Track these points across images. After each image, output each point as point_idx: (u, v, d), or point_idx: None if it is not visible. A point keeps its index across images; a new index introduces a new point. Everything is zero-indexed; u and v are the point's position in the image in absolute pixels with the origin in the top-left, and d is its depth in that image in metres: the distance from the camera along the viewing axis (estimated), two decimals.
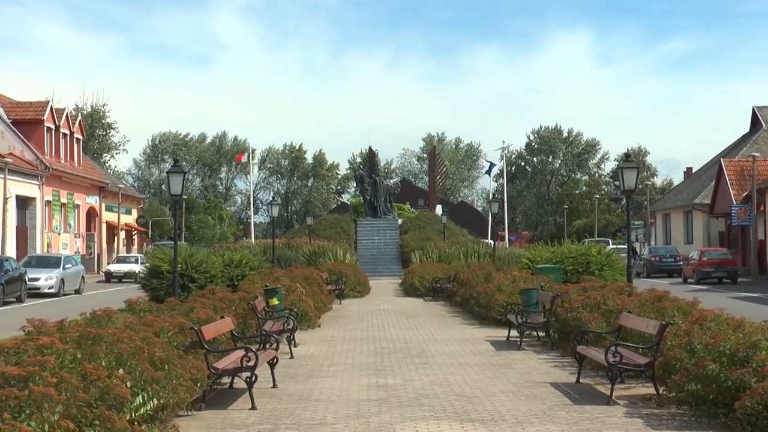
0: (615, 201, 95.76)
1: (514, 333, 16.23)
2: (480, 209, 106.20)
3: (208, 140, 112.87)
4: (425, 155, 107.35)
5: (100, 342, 8.06)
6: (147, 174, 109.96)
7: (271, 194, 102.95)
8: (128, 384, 7.13)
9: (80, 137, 52.59)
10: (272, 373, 11.32)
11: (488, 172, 67.63)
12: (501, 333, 17.20)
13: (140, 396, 7.41)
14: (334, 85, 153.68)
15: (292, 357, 14.19)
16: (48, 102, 48.96)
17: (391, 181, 68.63)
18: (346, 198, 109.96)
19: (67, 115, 50.27)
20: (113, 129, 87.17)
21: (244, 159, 60.02)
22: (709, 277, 38.40)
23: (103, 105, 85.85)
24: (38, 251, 42.44)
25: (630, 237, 19.20)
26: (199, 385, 8.81)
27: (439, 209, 61.89)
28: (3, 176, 39.37)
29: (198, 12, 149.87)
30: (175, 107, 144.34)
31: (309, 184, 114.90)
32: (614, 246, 46.79)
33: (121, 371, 7.42)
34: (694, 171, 68.84)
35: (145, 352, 8.02)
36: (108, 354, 7.80)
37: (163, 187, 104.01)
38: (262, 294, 17.23)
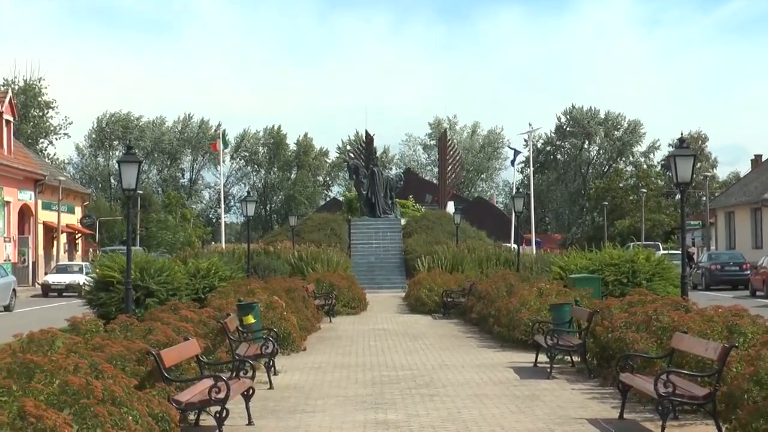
0: (666, 197, 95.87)
1: (542, 358, 16.23)
2: (501, 206, 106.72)
3: (169, 123, 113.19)
4: (433, 142, 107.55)
5: (40, 372, 8.03)
6: (93, 164, 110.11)
7: (246, 188, 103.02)
8: (75, 428, 7.12)
9: (10, 118, 52.59)
10: (247, 408, 11.30)
11: (512, 161, 67.67)
12: (527, 358, 17.21)
13: None
14: (322, 57, 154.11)
15: (271, 387, 14.20)
16: None
17: (393, 173, 68.79)
18: (336, 193, 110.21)
19: None
20: (52, 109, 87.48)
21: (220, 146, 60.13)
22: None
23: (39, 80, 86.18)
24: None
25: (685, 240, 19.21)
26: (159, 424, 8.79)
27: (451, 206, 61.96)
28: None
29: None
30: (128, 83, 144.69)
31: (292, 176, 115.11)
32: (666, 252, 46.80)
33: (66, 412, 7.38)
34: (764, 159, 68.93)
35: (98, 389, 7.93)
36: (47, 385, 7.77)
37: (113, 179, 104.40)
38: (235, 310, 17.23)
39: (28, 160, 55.73)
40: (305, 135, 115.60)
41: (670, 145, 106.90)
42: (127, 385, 8.66)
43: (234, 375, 12.81)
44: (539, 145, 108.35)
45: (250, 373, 13.16)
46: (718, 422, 9.85)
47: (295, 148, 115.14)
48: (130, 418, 8.07)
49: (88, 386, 7.90)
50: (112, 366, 9.18)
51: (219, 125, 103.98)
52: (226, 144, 66.13)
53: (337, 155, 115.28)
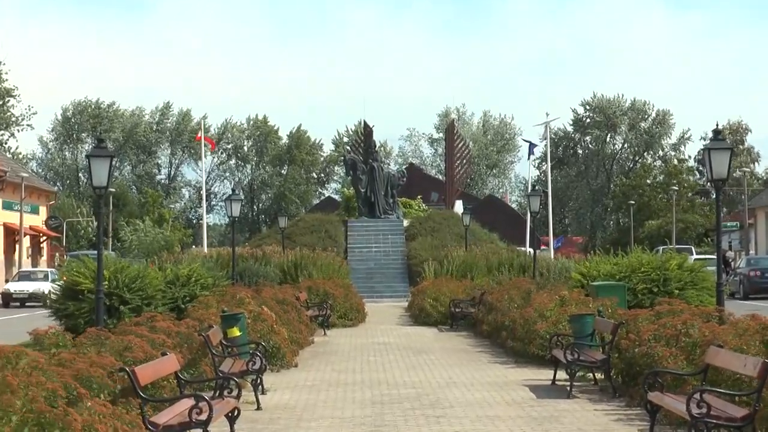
0: (701, 195, 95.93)
1: (561, 375, 16.24)
2: (515, 206, 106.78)
3: (145, 113, 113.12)
4: (440, 135, 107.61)
5: (4, 393, 8.00)
6: (59, 159, 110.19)
7: (231, 186, 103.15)
8: None
9: None
10: (232, 431, 11.32)
11: (528, 155, 67.76)
12: (544, 375, 17.22)
13: None
14: (315, 40, 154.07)
15: (258, 408, 14.22)
16: None
17: (395, 169, 68.84)
18: (333, 190, 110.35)
19: None
20: (13, 97, 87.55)
21: (204, 139, 59.97)
22: None
23: None
24: None
25: (721, 244, 19.24)
26: None
27: (459, 206, 62.00)
28: None
29: None
30: (97, 68, 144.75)
31: (282, 172, 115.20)
32: (699, 256, 46.81)
33: None
34: None
35: (76, 420, 7.83)
36: (7, 411, 7.72)
37: (81, 176, 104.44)
38: (219, 322, 17.25)
39: None
40: (298, 127, 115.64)
41: (702, 139, 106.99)
42: (102, 408, 8.62)
43: (217, 394, 12.83)
44: (557, 137, 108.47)
45: (235, 392, 13.16)
46: None
47: (286, 141, 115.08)
48: None
49: (65, 417, 7.72)
50: (82, 388, 9.13)
51: (204, 117, 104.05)
52: (202, 134, 65.86)
53: (333, 149, 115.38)
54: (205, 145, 66.71)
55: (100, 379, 10.13)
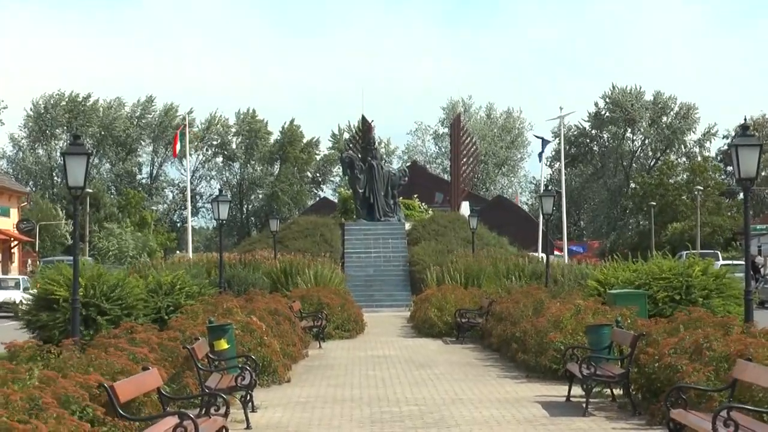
0: (727, 196, 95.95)
1: (577, 391, 16.24)
2: (526, 207, 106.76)
3: (125, 106, 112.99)
4: (446, 130, 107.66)
5: None
6: (32, 157, 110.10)
7: (218, 186, 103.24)
8: None
9: None
10: None
11: (540, 153, 67.61)
12: (558, 391, 17.23)
13: None
14: (310, 30, 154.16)
15: (248, 427, 14.21)
16: None
17: (396, 167, 68.89)
18: (331, 193, 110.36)
19: None
20: None
21: (181, 144, 59.68)
22: None
23: None
24: None
25: (749, 248, 19.25)
26: None
27: (465, 208, 62.03)
28: None
29: None
30: (73, 58, 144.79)
31: (274, 171, 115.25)
32: (726, 262, 46.81)
33: None
34: None
35: None
36: None
37: (56, 176, 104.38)
38: (205, 334, 17.26)
39: None
40: (291, 122, 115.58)
41: (725, 137, 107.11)
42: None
43: (203, 412, 12.83)
44: (573, 133, 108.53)
45: (222, 410, 13.16)
46: None
47: (278, 138, 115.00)
48: None
49: None
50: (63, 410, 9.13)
51: (190, 112, 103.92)
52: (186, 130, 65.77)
53: (330, 146, 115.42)
54: (173, 145, 66.34)
55: (80, 400, 10.11)
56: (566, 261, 50.94)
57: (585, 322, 18.84)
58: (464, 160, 67.65)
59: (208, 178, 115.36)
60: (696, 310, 17.36)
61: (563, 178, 71.18)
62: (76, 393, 10.16)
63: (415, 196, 65.07)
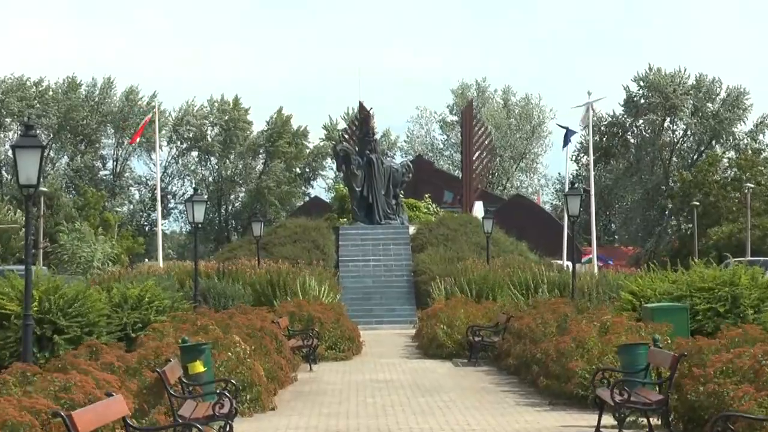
0: None
1: (608, 420, 16.21)
2: (548, 208, 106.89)
3: (83, 91, 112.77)
4: (455, 118, 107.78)
5: None
6: None
7: (193, 184, 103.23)
8: None
9: None
10: None
11: (564, 145, 67.69)
12: (586, 420, 17.21)
13: None
14: (300, 4, 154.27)
15: None
16: None
17: (399, 161, 68.81)
18: (320, 189, 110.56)
19: None
20: None
21: (141, 128, 59.71)
22: None
23: None
24: None
25: None
26: None
27: (479, 208, 62.10)
28: None
29: None
30: (26, 37, 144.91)
31: (257, 167, 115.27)
32: None
33: None
34: None
35: None
36: None
37: (5, 172, 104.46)
38: (178, 355, 17.22)
39: None
40: (279, 110, 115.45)
41: None
42: None
43: None
44: (602, 123, 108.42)
45: None
46: None
47: (264, 129, 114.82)
48: None
49: None
50: None
51: (155, 96, 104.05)
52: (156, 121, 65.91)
53: (323, 138, 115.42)
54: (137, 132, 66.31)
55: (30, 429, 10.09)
56: (596, 270, 50.95)
57: (617, 342, 18.82)
58: (477, 153, 67.66)
59: (182, 175, 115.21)
60: (752, 327, 17.33)
61: (592, 174, 71.19)
62: (22, 419, 10.13)
63: (427, 195, 65.12)
